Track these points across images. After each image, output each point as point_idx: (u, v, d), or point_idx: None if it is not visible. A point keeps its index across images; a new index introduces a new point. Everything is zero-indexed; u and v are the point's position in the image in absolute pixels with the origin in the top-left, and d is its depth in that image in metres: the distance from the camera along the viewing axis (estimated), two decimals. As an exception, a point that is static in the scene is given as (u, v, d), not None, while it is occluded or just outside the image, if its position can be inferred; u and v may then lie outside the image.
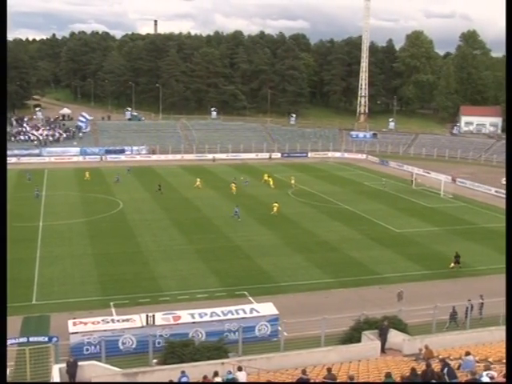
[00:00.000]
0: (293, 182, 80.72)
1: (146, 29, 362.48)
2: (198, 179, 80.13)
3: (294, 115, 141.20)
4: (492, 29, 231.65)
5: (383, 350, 26.66)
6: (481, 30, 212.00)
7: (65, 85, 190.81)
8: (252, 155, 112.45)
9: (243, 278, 42.18)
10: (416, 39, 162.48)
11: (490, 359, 21.78)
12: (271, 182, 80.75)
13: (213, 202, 69.53)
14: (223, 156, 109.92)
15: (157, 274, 42.94)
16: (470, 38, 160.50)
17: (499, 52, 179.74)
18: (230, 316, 31.92)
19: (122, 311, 34.54)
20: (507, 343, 16.55)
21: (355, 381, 19.43)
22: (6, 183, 16.02)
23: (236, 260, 46.67)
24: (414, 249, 51.16)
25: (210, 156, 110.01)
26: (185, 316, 31.63)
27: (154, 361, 27.79)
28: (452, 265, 45.91)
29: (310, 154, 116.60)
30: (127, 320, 30.96)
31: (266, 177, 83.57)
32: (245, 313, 32.39)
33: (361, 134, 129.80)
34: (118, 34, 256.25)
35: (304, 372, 20.37)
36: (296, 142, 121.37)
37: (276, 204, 64.15)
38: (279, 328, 31.33)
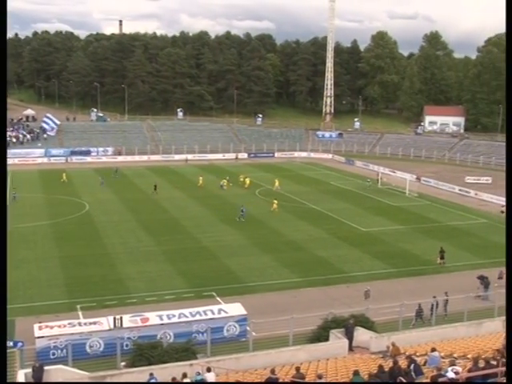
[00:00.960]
0: (277, 184, 78.72)
1: (110, 29, 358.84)
2: (201, 177, 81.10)
3: (261, 115, 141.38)
4: (454, 30, 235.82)
5: (351, 348, 26.88)
6: (443, 31, 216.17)
7: (28, 85, 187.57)
8: (219, 156, 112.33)
9: (211, 279, 42.11)
10: (380, 40, 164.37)
11: (455, 355, 22.14)
12: (247, 183, 79.87)
13: (180, 203, 69.25)
14: (190, 157, 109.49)
15: (124, 275, 42.60)
16: (433, 39, 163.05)
17: (461, 53, 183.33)
18: (198, 317, 31.83)
19: (89, 314, 34.13)
20: (507, 343, 16.69)
21: (324, 379, 19.54)
22: (6, 183, 15.77)
23: (204, 261, 46.58)
24: (380, 247, 51.72)
25: (177, 157, 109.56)
26: (153, 318, 31.45)
27: (122, 363, 27.56)
28: (438, 260, 46.73)
29: (276, 154, 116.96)
30: (94, 323, 30.65)
31: (242, 178, 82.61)
32: (213, 313, 32.34)
33: (327, 134, 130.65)
34: (82, 33, 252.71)
35: (273, 372, 20.41)
36: (262, 143, 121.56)
37: (275, 201, 65.47)
38: (248, 328, 31.35)
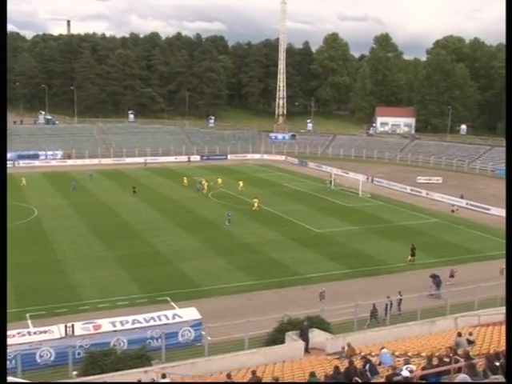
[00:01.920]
0: (241, 185, 79.33)
1: (58, 29, 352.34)
2: (185, 178, 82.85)
3: (213, 117, 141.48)
4: (403, 32, 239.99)
5: (307, 350, 27.03)
6: (393, 33, 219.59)
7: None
8: (171, 158, 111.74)
9: (165, 284, 41.84)
10: (333, 41, 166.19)
11: (409, 353, 22.48)
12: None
13: (132, 207, 68.71)
14: (141, 160, 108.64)
15: (75, 282, 41.90)
16: (383, 41, 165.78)
17: (411, 55, 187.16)
18: (152, 323, 31.51)
19: (39, 323, 33.43)
20: (507, 343, 16.72)
21: (280, 382, 19.58)
22: (6, 183, 16.41)
23: (157, 265, 46.28)
24: (334, 248, 52.21)
25: (128, 160, 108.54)
26: (106, 325, 30.99)
27: (74, 373, 27.04)
28: (409, 258, 47.39)
29: (229, 157, 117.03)
30: (45, 332, 30.00)
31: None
32: (167, 319, 32.07)
33: (280, 136, 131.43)
34: (28, 34, 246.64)
35: (229, 376, 20.35)
36: (215, 145, 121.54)
37: (256, 200, 66.63)
38: (203, 333, 31.17)
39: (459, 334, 23.13)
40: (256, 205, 66.79)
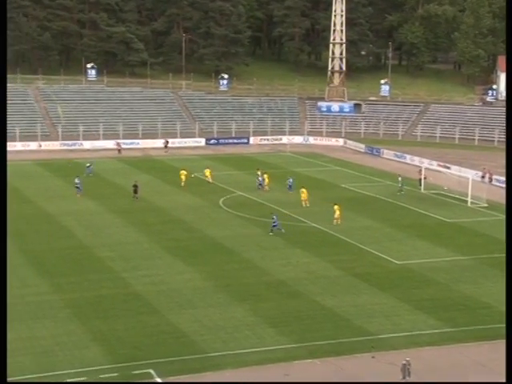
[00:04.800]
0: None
1: None
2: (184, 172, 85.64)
3: (226, 76, 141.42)
4: None
5: None
6: None
7: None
8: (158, 142, 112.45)
9: (147, 347, 41.49)
10: None
11: None
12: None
13: (94, 221, 68.95)
14: (108, 144, 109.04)
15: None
16: None
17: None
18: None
19: None
20: (507, 343, 21.22)
21: None
22: (6, 183, 18.01)
23: (135, 316, 46.01)
24: (426, 292, 51.56)
25: (87, 144, 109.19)
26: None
27: None
28: None
29: (252, 140, 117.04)
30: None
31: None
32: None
33: (335, 106, 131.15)
34: None
35: None
36: (230, 121, 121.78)
37: (304, 190, 71.32)
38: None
39: None
40: (304, 195, 71.39)
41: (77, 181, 79.23)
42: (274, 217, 64.84)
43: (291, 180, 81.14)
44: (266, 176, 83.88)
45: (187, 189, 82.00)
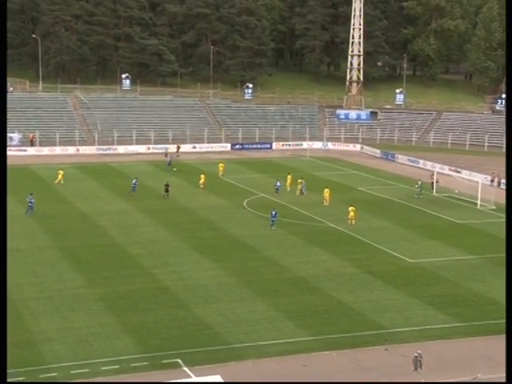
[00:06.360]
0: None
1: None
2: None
3: (251, 85, 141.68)
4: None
5: None
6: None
7: None
8: (187, 147, 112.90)
9: (175, 338, 41.87)
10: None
11: None
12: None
13: (126, 221, 69.33)
14: (142, 149, 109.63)
15: (37, 335, 42.15)
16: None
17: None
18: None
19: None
20: (507, 344, 21.62)
21: None
22: (6, 183, 18.49)
23: (164, 309, 46.36)
24: (437, 289, 51.73)
25: (121, 149, 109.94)
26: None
27: None
28: None
29: (275, 145, 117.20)
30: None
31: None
32: (179, 392, 32.21)
33: (353, 114, 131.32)
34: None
35: None
36: (254, 127, 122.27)
37: (352, 208, 69.35)
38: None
39: None
40: (352, 213, 68.93)
41: (134, 182, 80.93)
42: (273, 212, 66.38)
43: (278, 183, 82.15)
44: (289, 177, 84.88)
45: (213, 190, 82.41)
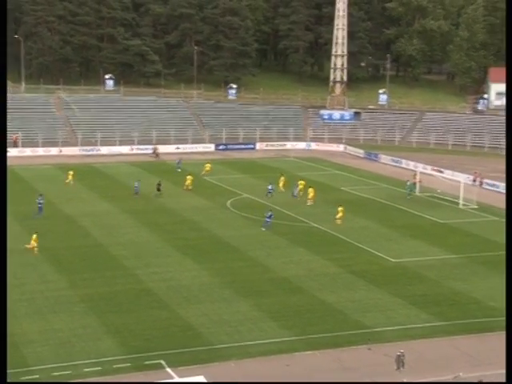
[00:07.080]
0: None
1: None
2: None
3: (235, 86, 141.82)
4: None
5: None
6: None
7: None
8: (170, 148, 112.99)
9: (158, 339, 41.82)
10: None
11: None
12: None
13: (109, 222, 69.25)
14: (125, 150, 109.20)
15: (19, 337, 41.88)
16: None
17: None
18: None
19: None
20: (507, 344, 20.91)
21: None
22: (6, 183, 18.68)
23: (146, 310, 46.35)
24: (419, 288, 51.87)
25: (104, 150, 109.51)
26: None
27: None
28: None
29: (258, 146, 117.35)
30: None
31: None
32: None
33: (336, 114, 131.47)
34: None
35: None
36: (237, 127, 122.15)
37: (340, 208, 69.77)
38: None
39: None
40: (340, 214, 69.22)
41: (136, 184, 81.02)
42: (269, 213, 66.65)
43: (270, 187, 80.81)
44: (282, 179, 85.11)
45: (197, 191, 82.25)
